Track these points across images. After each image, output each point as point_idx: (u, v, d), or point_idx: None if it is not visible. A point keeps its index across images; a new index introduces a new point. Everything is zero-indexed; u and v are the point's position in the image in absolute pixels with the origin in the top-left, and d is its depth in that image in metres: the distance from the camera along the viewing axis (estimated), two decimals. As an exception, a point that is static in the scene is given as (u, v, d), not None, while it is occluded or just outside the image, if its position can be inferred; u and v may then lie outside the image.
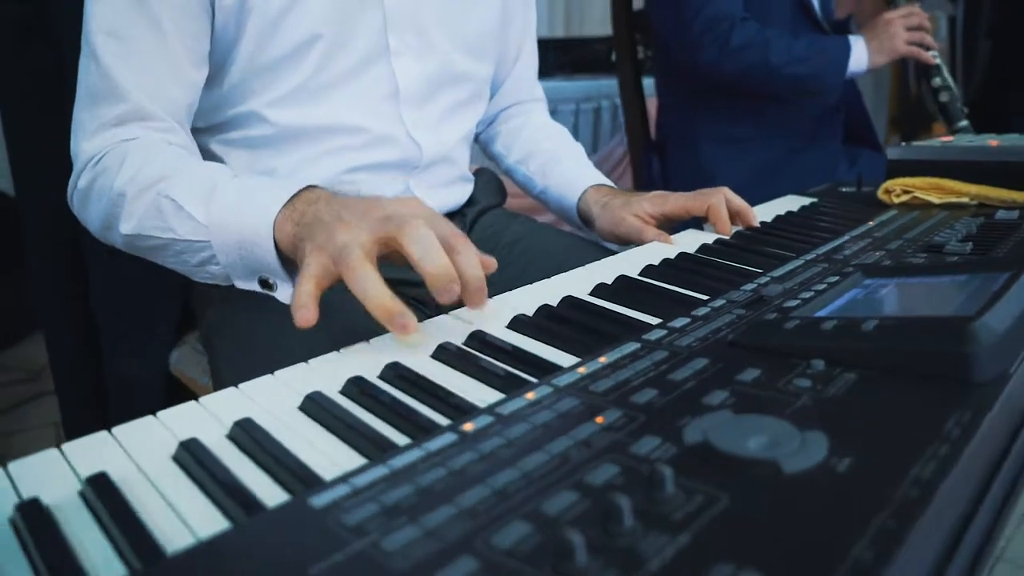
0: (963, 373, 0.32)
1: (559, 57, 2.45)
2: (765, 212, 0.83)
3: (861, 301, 0.43)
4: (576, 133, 2.15)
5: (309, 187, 0.55)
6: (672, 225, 0.81)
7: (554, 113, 2.10)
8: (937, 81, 1.28)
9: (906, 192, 0.78)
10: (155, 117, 0.65)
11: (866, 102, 1.55)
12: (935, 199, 0.76)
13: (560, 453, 0.30)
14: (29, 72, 0.85)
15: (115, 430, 0.37)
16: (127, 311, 0.95)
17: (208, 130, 0.76)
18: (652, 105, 1.58)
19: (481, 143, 1.02)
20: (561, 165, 0.93)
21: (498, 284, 0.80)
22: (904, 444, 0.28)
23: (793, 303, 0.44)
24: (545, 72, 2.29)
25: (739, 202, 0.76)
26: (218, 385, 0.68)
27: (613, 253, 0.85)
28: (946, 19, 2.89)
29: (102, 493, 0.31)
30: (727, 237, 0.71)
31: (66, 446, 0.36)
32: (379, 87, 0.75)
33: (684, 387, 0.35)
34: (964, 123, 1.30)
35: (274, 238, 0.54)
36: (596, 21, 3.60)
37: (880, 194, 0.80)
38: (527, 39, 0.95)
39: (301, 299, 0.45)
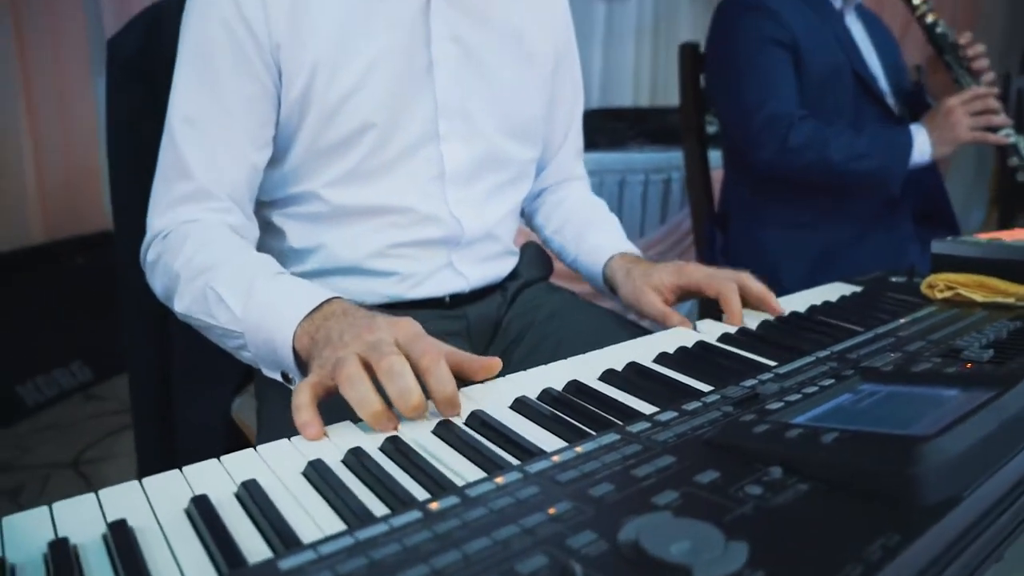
0: (907, 494, 0.33)
1: (635, 127, 2.51)
2: (803, 300, 0.83)
3: (844, 408, 0.44)
4: (645, 204, 2.19)
5: (330, 300, 0.62)
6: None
7: (623, 183, 2.16)
8: (1014, 161, 1.24)
9: (949, 288, 0.76)
10: (216, 197, 0.75)
11: (960, 180, 1.50)
12: (979, 297, 0.74)
13: (503, 540, 0.32)
14: (137, 146, 0.97)
15: (145, 481, 0.43)
16: (199, 359, 1.03)
17: (270, 204, 0.84)
18: (718, 177, 1.59)
19: (524, 215, 1.06)
20: (592, 234, 0.96)
21: (532, 357, 0.84)
22: (822, 562, 0.29)
23: (777, 405, 0.46)
24: (619, 142, 2.36)
25: (758, 289, 0.78)
26: (261, 436, 0.74)
27: (645, 330, 0.87)
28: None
29: (119, 540, 0.36)
30: (744, 325, 0.72)
31: (103, 494, 0.42)
32: (427, 169, 0.82)
33: (642, 484, 0.37)
34: None
35: (293, 346, 0.60)
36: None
37: (923, 288, 0.79)
38: (574, 123, 1.00)
39: (300, 416, 0.50)
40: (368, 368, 0.51)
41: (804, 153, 1.24)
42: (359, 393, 0.49)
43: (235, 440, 1.02)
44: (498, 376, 0.60)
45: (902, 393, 0.45)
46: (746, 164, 1.37)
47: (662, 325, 0.79)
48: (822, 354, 0.59)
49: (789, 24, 1.31)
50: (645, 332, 0.88)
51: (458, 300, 0.86)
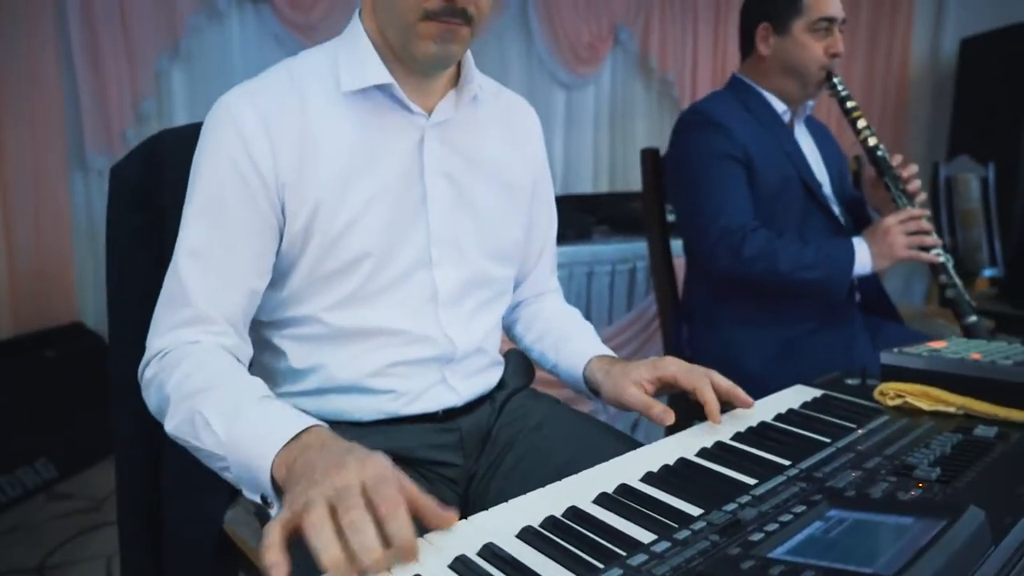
0: (874, 630, 0.39)
1: (598, 214, 2.64)
2: (772, 406, 0.90)
3: (816, 539, 0.50)
4: (612, 293, 2.29)
5: (309, 429, 0.65)
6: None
7: (591, 275, 2.25)
8: (943, 278, 1.36)
9: (899, 396, 0.85)
10: (214, 322, 0.80)
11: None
12: (925, 406, 0.82)
13: None
14: (136, 268, 1.01)
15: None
16: (192, 469, 1.05)
17: (271, 324, 0.89)
18: (680, 264, 1.68)
19: (504, 326, 1.11)
20: (570, 342, 1.02)
21: (521, 465, 0.89)
22: None
23: (758, 536, 0.52)
24: (585, 234, 2.47)
25: (727, 385, 0.85)
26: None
27: (627, 437, 0.93)
28: (979, 180, 3.01)
29: None
30: (719, 436, 0.78)
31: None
32: (420, 292, 0.88)
33: (649, 623, 0.43)
34: (973, 318, 1.35)
35: (271, 474, 0.64)
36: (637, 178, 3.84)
37: (876, 395, 0.87)
38: (548, 243, 1.08)
39: (269, 555, 0.52)
40: (335, 512, 0.54)
41: (756, 263, 1.35)
42: (322, 541, 0.51)
43: (227, 551, 1.03)
44: (499, 496, 0.65)
45: (865, 522, 0.52)
46: (705, 269, 1.48)
47: (645, 414, 0.85)
48: (792, 473, 0.66)
49: (742, 140, 1.44)
50: (626, 437, 0.94)
51: (451, 414, 0.91)
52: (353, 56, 0.84)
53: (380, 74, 0.83)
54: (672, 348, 1.66)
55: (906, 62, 4.11)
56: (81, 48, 2.33)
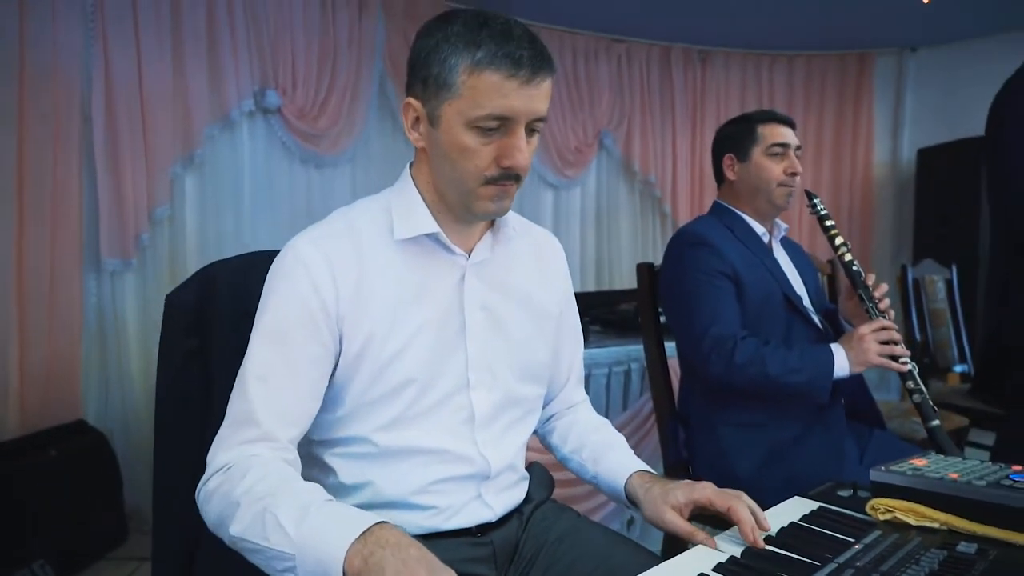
0: None
1: (591, 314, 2.77)
2: (774, 519, 0.98)
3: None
4: (609, 393, 2.39)
5: (380, 524, 0.72)
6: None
7: (589, 376, 2.36)
8: (910, 384, 1.48)
9: (889, 511, 0.94)
10: (276, 440, 0.88)
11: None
12: (912, 521, 0.91)
13: None
14: (186, 387, 1.09)
15: None
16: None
17: (323, 443, 0.97)
18: (674, 364, 1.79)
19: (539, 436, 1.21)
20: (609, 454, 1.10)
21: (555, 569, 0.96)
22: None
23: None
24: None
25: (752, 506, 0.92)
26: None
27: (643, 550, 1.01)
28: (944, 281, 3.21)
29: None
30: (737, 555, 0.87)
31: None
32: (459, 414, 0.97)
33: None
34: (935, 423, 1.46)
35: (344, 567, 0.70)
36: (622, 275, 4.03)
37: (868, 510, 0.96)
38: (575, 361, 1.19)
39: None
40: None
41: (747, 369, 1.46)
42: None
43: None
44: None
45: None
46: (699, 375, 1.59)
47: (689, 540, 0.92)
48: (803, 588, 0.74)
49: (729, 258, 1.58)
50: (643, 550, 1.02)
51: (484, 528, 0.99)
52: (405, 208, 0.96)
53: (428, 224, 0.95)
54: (670, 449, 1.75)
55: (869, 168, 4.41)
56: (103, 156, 2.47)
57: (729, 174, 1.73)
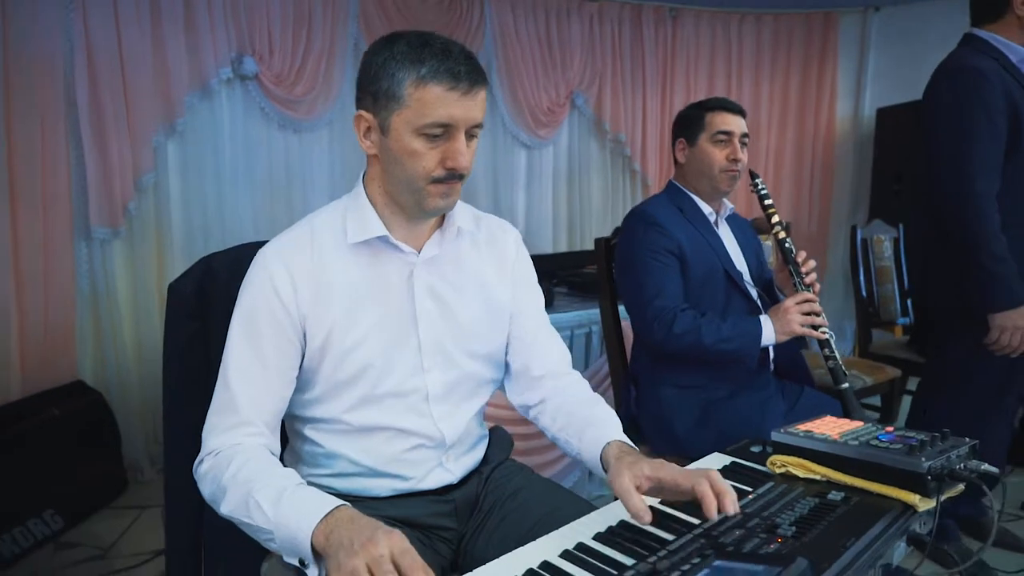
0: (726, 638, 0.67)
1: (558, 276, 2.96)
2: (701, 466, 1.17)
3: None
4: (572, 351, 2.58)
5: (339, 507, 0.87)
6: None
7: (553, 338, 2.54)
8: (826, 351, 1.68)
9: (783, 466, 1.14)
10: (254, 424, 1.04)
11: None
12: (800, 474, 1.12)
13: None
14: (189, 368, 1.25)
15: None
16: (231, 528, 1.28)
17: (304, 420, 1.14)
18: (629, 327, 1.97)
19: (532, 418, 1.27)
20: (590, 429, 1.12)
21: (502, 526, 1.15)
22: None
23: (673, 573, 0.79)
24: (548, 302, 2.76)
25: (721, 486, 0.92)
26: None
27: (584, 501, 1.20)
28: (891, 240, 3.41)
29: None
30: (652, 502, 1.05)
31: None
32: (416, 394, 1.13)
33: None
34: (845, 386, 1.67)
35: (311, 541, 0.85)
36: (592, 234, 4.20)
37: (768, 464, 1.16)
38: (541, 326, 1.28)
39: None
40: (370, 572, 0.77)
41: (684, 337, 1.65)
42: None
43: (262, 597, 1.26)
44: (484, 551, 0.91)
45: (734, 569, 0.80)
46: (644, 342, 1.78)
47: (624, 503, 0.95)
48: (697, 531, 0.93)
49: (676, 236, 1.75)
50: (583, 501, 1.21)
51: (447, 489, 1.17)
52: (357, 215, 1.10)
53: (378, 228, 1.09)
54: (622, 406, 1.95)
55: (832, 125, 4.56)
56: (88, 130, 2.55)
57: (680, 157, 1.89)
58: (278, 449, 1.08)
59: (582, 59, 4.17)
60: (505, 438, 1.33)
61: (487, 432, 1.30)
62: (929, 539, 1.02)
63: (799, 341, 1.82)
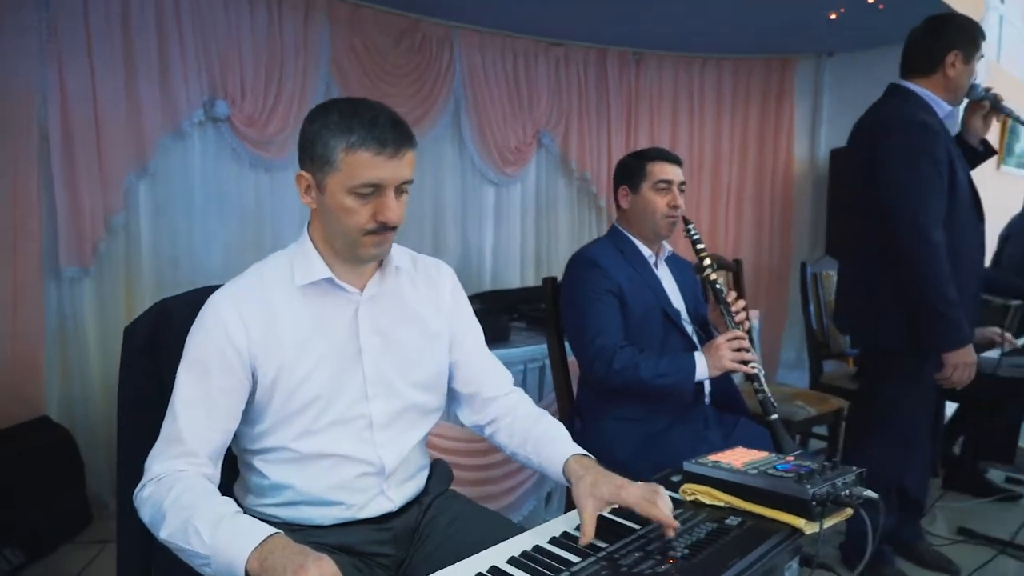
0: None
1: (519, 310, 3.06)
2: (615, 499, 1.26)
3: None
4: (525, 387, 2.68)
5: (273, 535, 0.93)
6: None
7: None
8: (756, 385, 1.79)
9: (693, 494, 1.24)
10: (198, 456, 1.11)
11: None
12: (707, 501, 1.21)
13: None
14: (143, 404, 1.32)
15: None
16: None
17: (254, 451, 1.22)
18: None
19: (487, 436, 1.39)
20: (549, 446, 1.27)
21: (437, 552, 1.23)
22: None
23: None
24: (502, 336, 2.86)
25: (665, 513, 1.06)
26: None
27: (514, 526, 1.29)
28: (838, 275, 3.55)
29: None
30: (567, 528, 1.14)
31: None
32: (359, 423, 1.22)
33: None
34: (774, 417, 1.77)
35: (246, 567, 0.91)
36: (560, 268, 4.30)
37: (680, 492, 1.26)
38: (482, 354, 1.40)
39: None
40: None
41: (624, 373, 1.76)
42: None
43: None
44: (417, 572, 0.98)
45: (622, 587, 0.89)
46: (585, 376, 1.88)
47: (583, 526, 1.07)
48: (601, 554, 1.02)
49: (616, 278, 1.87)
50: (514, 527, 1.29)
51: (387, 517, 1.25)
52: (303, 259, 1.21)
53: (323, 271, 1.19)
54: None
55: (790, 165, 4.74)
56: (60, 171, 2.64)
57: (623, 203, 2.01)
58: (218, 481, 1.14)
59: (549, 100, 4.33)
60: (445, 470, 1.42)
61: (429, 463, 1.38)
62: (815, 557, 1.11)
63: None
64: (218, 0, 3.08)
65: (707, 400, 1.95)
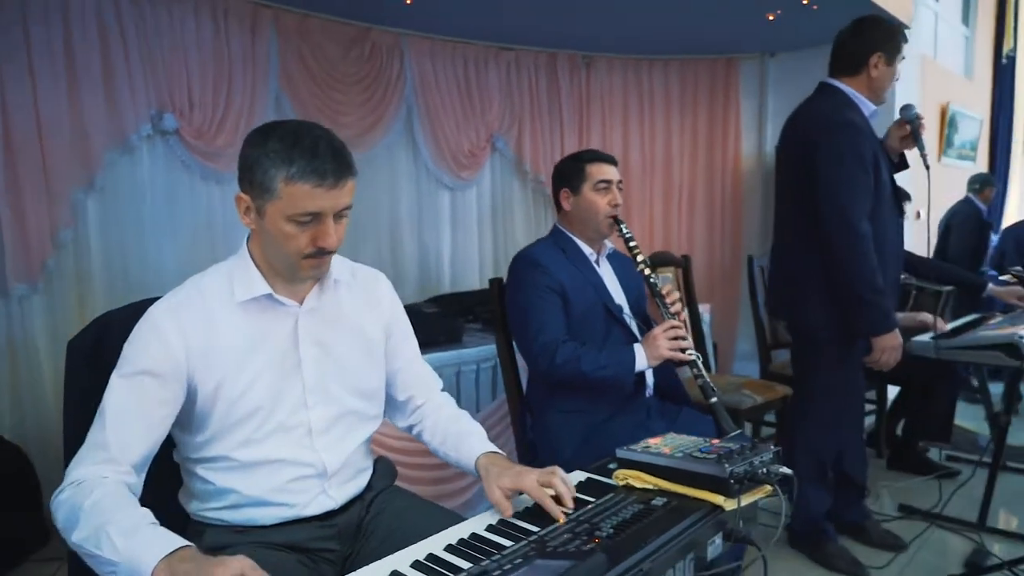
0: (516, 619, 0.81)
1: (475, 311, 3.11)
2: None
3: (525, 574, 0.92)
4: (478, 386, 2.75)
5: (183, 547, 0.94)
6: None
7: (459, 373, 2.70)
8: (694, 371, 1.87)
9: (625, 478, 1.30)
10: (121, 464, 1.10)
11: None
12: (638, 484, 1.28)
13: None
14: (87, 413, 1.35)
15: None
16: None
17: (197, 460, 1.25)
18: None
19: (415, 435, 1.47)
20: (464, 443, 1.36)
21: (382, 546, 1.28)
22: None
23: (497, 571, 0.93)
24: (456, 337, 2.91)
25: (563, 490, 1.16)
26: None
27: (455, 516, 1.34)
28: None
29: None
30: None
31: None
32: (300, 429, 1.26)
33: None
34: (714, 399, 1.86)
35: (153, 574, 0.91)
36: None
37: (614, 477, 1.32)
38: (415, 361, 1.46)
39: None
40: None
41: (566, 367, 1.82)
42: None
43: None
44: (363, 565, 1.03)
45: (548, 565, 0.95)
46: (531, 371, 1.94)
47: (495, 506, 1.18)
48: (532, 538, 1.08)
49: (557, 276, 1.93)
50: (455, 516, 1.34)
51: (330, 514, 1.29)
52: (243, 275, 1.24)
53: (262, 287, 1.23)
54: (520, 434, 2.10)
55: (738, 162, 4.88)
56: (4, 188, 2.61)
57: (565, 205, 2.07)
58: (139, 490, 1.13)
59: (501, 104, 4.39)
60: (389, 467, 1.46)
61: (372, 463, 1.43)
62: (738, 531, 1.17)
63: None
64: (162, 12, 3.07)
65: (650, 391, 2.02)
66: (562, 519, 1.11)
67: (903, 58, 2.29)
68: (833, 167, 2.13)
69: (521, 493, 1.21)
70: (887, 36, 2.24)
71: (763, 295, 3.52)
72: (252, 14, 3.38)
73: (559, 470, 1.21)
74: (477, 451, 1.33)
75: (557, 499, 1.17)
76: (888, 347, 2.16)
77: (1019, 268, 2.21)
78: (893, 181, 2.29)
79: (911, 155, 2.47)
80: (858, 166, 2.11)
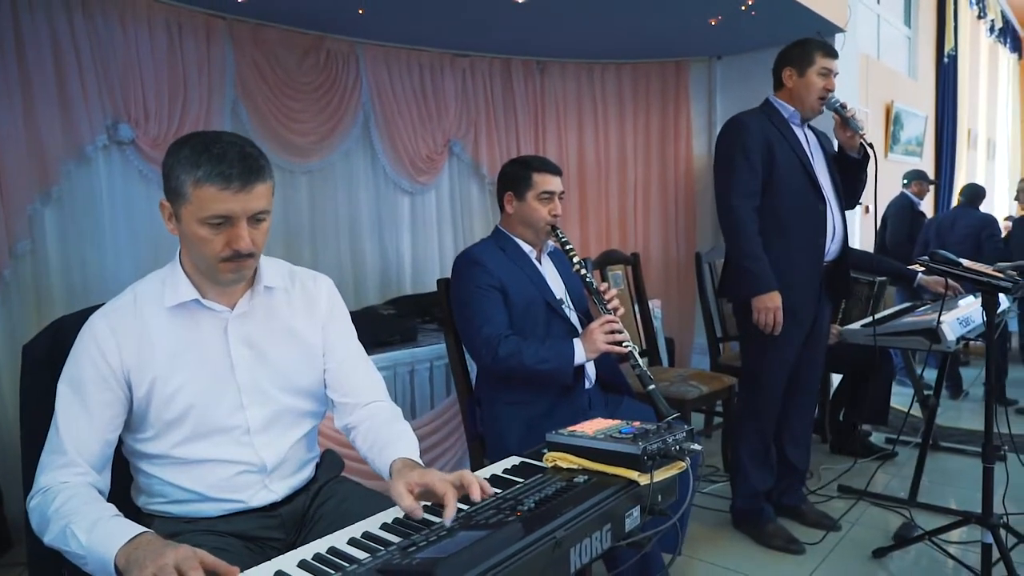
0: (433, 579, 0.91)
1: (432, 311, 3.19)
2: (488, 470, 1.42)
3: (441, 547, 1.02)
4: (432, 383, 2.83)
5: (141, 534, 1.03)
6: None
7: (413, 371, 2.79)
8: (632, 362, 1.99)
9: (553, 461, 1.40)
10: (79, 465, 1.20)
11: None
12: (564, 465, 1.38)
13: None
14: (43, 415, 1.41)
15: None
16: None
17: (144, 456, 1.32)
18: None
19: (351, 440, 1.45)
20: (387, 449, 1.33)
21: (332, 528, 1.34)
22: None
23: (423, 545, 1.03)
24: (410, 337, 3.00)
25: (469, 482, 1.16)
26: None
27: (391, 502, 1.42)
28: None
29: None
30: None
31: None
32: (237, 429, 1.33)
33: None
34: (652, 387, 1.97)
35: (115, 563, 1.01)
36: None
37: (544, 460, 1.43)
38: (357, 360, 1.47)
39: None
40: None
41: (508, 360, 1.93)
42: None
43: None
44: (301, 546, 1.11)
45: (470, 535, 1.04)
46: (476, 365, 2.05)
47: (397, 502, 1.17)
48: (461, 515, 1.18)
49: (497, 274, 2.04)
50: (390, 503, 1.43)
51: (274, 506, 1.37)
52: (173, 282, 1.31)
53: (190, 292, 1.30)
54: (471, 428, 2.20)
55: (690, 162, 5.03)
56: (-42, 201, 2.64)
57: (508, 208, 2.18)
58: (104, 485, 1.23)
59: (457, 110, 4.48)
60: (336, 459, 1.55)
61: (317, 455, 1.51)
62: (649, 504, 1.28)
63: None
64: (115, 23, 3.11)
65: (591, 383, 2.13)
66: (451, 513, 1.12)
67: (826, 69, 2.47)
68: (720, 160, 2.51)
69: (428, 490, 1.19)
70: (796, 51, 2.56)
71: (712, 289, 3.67)
72: (206, 23, 3.43)
73: (467, 471, 1.21)
74: (396, 455, 1.29)
75: (466, 497, 1.18)
76: (763, 308, 2.39)
77: (925, 258, 2.36)
78: (807, 169, 2.45)
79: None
80: (740, 155, 2.42)
